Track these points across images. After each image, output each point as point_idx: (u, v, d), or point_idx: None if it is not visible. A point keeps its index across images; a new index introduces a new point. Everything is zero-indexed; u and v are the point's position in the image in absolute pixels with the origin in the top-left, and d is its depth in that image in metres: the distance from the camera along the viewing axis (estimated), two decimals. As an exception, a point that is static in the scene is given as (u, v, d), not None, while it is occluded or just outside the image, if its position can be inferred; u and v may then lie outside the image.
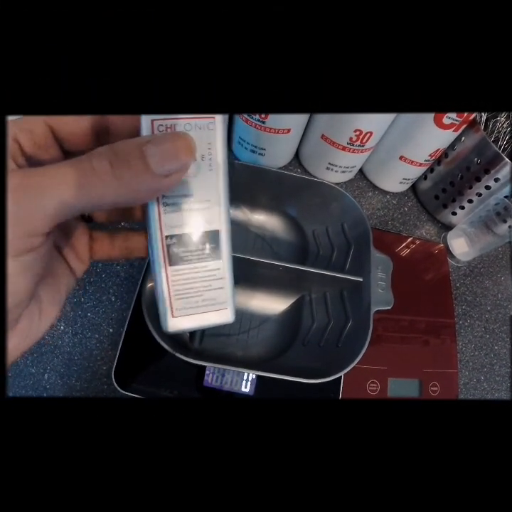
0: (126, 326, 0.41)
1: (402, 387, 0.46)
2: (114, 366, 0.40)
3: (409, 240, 0.53)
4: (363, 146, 0.47)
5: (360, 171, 0.56)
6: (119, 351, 0.40)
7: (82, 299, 0.46)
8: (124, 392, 0.39)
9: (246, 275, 0.41)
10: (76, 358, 0.44)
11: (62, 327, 0.44)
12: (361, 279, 0.38)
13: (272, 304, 0.42)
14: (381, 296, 0.37)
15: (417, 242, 0.54)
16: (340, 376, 0.42)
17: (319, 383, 0.39)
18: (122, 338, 0.41)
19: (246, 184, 0.43)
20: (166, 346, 0.32)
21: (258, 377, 0.40)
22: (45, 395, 0.42)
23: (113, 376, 0.39)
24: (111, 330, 0.45)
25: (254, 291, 0.42)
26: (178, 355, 0.32)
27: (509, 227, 0.53)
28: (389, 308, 0.38)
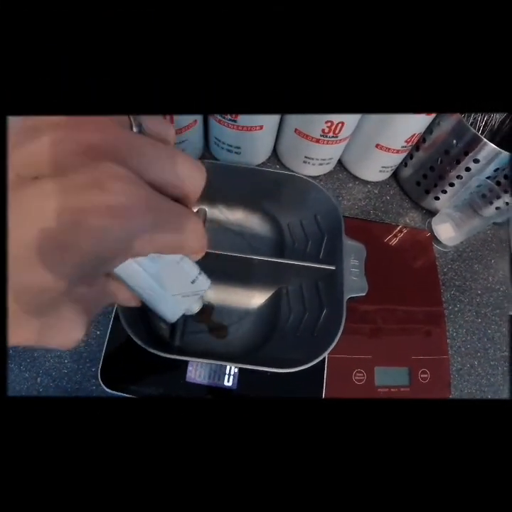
0: (109, 328, 0.43)
1: (390, 376, 0.46)
2: (100, 367, 0.41)
3: (393, 228, 0.53)
4: (336, 137, 0.47)
5: (340, 162, 0.56)
6: (104, 352, 0.41)
7: (70, 304, 0.47)
8: (111, 391, 0.40)
9: (225, 272, 0.42)
10: (66, 360, 0.45)
11: (53, 332, 0.46)
12: (334, 268, 0.38)
13: (251, 299, 0.42)
14: (355, 283, 0.37)
15: (402, 229, 0.53)
16: (324, 366, 0.42)
17: (302, 374, 0.39)
18: (106, 339, 0.42)
19: (221, 183, 0.44)
20: (141, 344, 0.33)
21: (240, 370, 0.40)
22: (39, 398, 0.44)
23: (99, 376, 0.41)
24: (98, 332, 0.46)
25: (233, 288, 0.43)
26: (152, 351, 0.33)
27: (496, 208, 0.52)
28: (363, 294, 0.38)
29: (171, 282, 0.20)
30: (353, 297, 0.37)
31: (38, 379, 0.45)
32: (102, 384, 0.40)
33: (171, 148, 0.15)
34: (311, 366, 0.42)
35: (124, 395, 0.40)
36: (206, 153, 0.54)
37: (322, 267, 0.38)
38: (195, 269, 0.21)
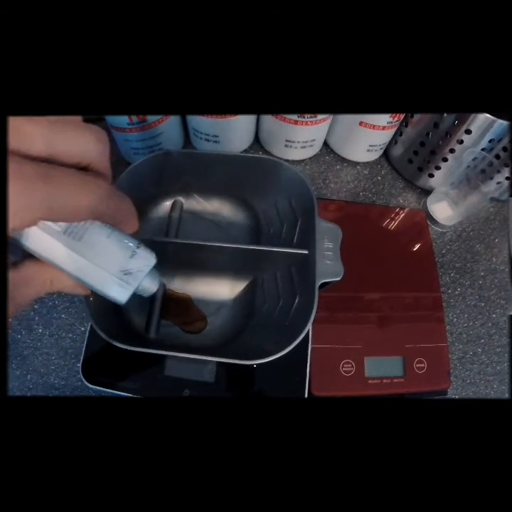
0: (89, 325, 0.43)
1: (381, 366, 0.44)
2: (81, 363, 0.41)
3: (386, 209, 0.50)
4: (315, 117, 0.45)
5: (325, 144, 0.54)
6: (84, 348, 0.41)
7: (57, 302, 0.48)
8: (93, 386, 0.40)
9: (199, 263, 0.41)
10: (53, 357, 0.46)
11: (40, 330, 0.47)
12: (306, 252, 0.36)
13: (226, 290, 0.41)
14: (329, 267, 0.35)
15: (395, 211, 0.50)
16: (306, 358, 0.40)
17: (284, 366, 0.38)
18: (86, 336, 0.42)
19: (196, 173, 0.43)
20: (106, 337, 0.32)
21: (218, 363, 0.39)
22: (29, 394, 0.45)
23: (80, 372, 0.41)
24: (82, 328, 0.47)
25: (208, 279, 0.42)
26: (119, 345, 0.32)
27: (497, 183, 0.48)
28: (338, 279, 0.35)
29: (103, 258, 0.19)
30: (327, 283, 0.35)
31: (28, 376, 0.46)
32: (84, 380, 0.40)
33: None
34: (294, 357, 0.40)
35: (105, 390, 0.40)
36: (187, 145, 0.54)
37: (294, 251, 0.36)
38: (131, 243, 0.20)
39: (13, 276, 0.18)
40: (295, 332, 0.33)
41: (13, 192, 0.14)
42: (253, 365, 0.32)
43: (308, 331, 0.33)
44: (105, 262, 0.19)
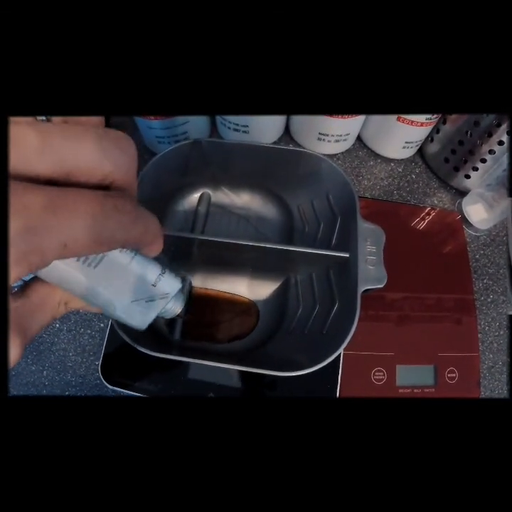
0: (109, 324, 0.41)
1: (413, 375, 0.42)
2: (100, 362, 0.39)
3: (419, 209, 0.48)
4: (352, 109, 0.43)
5: (359, 139, 0.51)
6: (104, 348, 0.39)
7: (74, 296, 0.46)
8: (111, 386, 0.39)
9: (227, 262, 0.39)
10: (71, 354, 0.44)
11: (57, 325, 0.45)
12: (347, 255, 0.34)
13: (257, 290, 0.39)
14: (371, 273, 0.33)
15: (429, 211, 0.48)
16: (339, 364, 0.39)
17: (314, 372, 0.36)
18: (106, 334, 0.40)
19: (225, 164, 0.40)
20: (131, 342, 0.30)
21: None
22: (44, 391, 0.43)
23: (100, 372, 0.39)
24: (102, 324, 0.45)
25: (236, 278, 0.39)
26: (144, 350, 0.30)
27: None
28: (381, 286, 0.34)
29: (122, 288, 0.17)
30: (368, 289, 0.33)
31: (44, 372, 0.44)
32: (102, 380, 0.39)
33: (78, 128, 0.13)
34: (327, 365, 0.39)
35: (125, 391, 0.38)
36: (214, 135, 0.51)
37: (334, 254, 0.34)
38: (154, 270, 0.17)
39: (22, 305, 0.15)
40: (334, 342, 0.32)
41: (14, 232, 0.11)
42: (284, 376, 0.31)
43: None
44: (124, 292, 0.17)
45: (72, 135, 0.12)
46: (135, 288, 0.17)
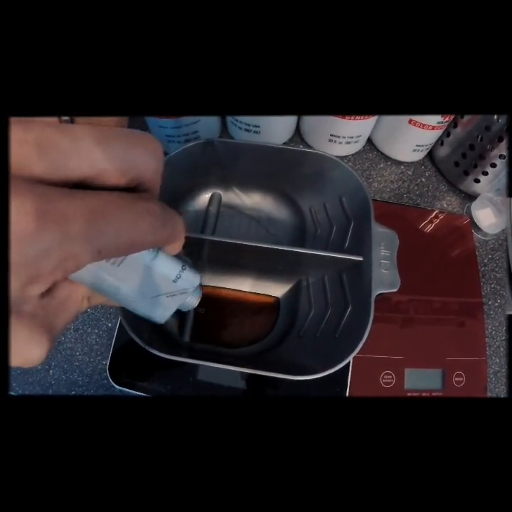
0: (118, 323, 0.40)
1: (421, 379, 0.42)
2: (108, 363, 0.39)
3: (428, 213, 0.48)
4: (365, 112, 0.42)
5: (369, 141, 0.51)
6: (112, 348, 0.39)
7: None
8: (119, 387, 0.38)
9: (239, 262, 0.39)
10: (78, 353, 0.44)
11: (63, 324, 0.44)
12: (361, 259, 0.34)
13: (267, 292, 0.39)
14: (385, 277, 0.33)
15: (438, 215, 0.48)
16: (348, 369, 0.39)
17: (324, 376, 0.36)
18: (115, 334, 0.40)
19: (236, 164, 0.40)
20: (142, 344, 0.30)
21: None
22: (50, 390, 0.43)
23: (107, 372, 0.39)
24: (109, 324, 0.44)
25: (246, 279, 0.39)
26: (155, 352, 0.30)
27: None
28: (394, 290, 0.33)
29: (144, 285, 0.17)
30: (382, 293, 0.33)
31: (50, 371, 0.44)
32: (110, 380, 0.38)
33: (106, 130, 0.12)
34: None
35: (132, 391, 0.38)
36: (224, 135, 0.51)
37: (348, 257, 0.34)
38: (175, 267, 0.18)
39: (48, 302, 0.15)
40: (346, 346, 0.31)
41: (53, 240, 0.11)
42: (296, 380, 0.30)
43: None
44: (146, 289, 0.17)
45: (99, 137, 0.12)
46: (157, 284, 0.17)
